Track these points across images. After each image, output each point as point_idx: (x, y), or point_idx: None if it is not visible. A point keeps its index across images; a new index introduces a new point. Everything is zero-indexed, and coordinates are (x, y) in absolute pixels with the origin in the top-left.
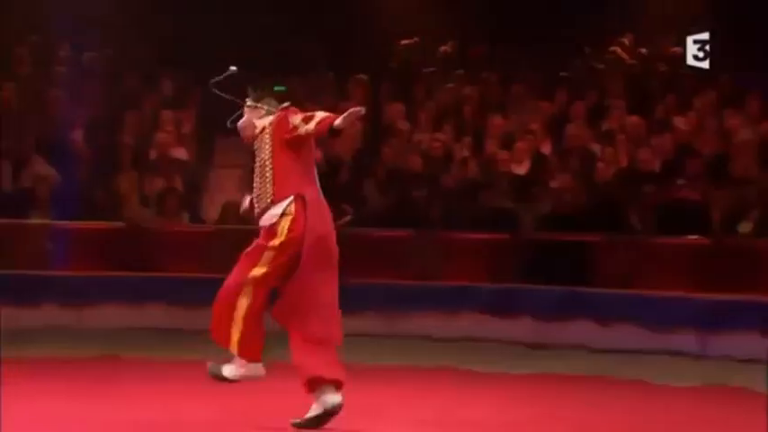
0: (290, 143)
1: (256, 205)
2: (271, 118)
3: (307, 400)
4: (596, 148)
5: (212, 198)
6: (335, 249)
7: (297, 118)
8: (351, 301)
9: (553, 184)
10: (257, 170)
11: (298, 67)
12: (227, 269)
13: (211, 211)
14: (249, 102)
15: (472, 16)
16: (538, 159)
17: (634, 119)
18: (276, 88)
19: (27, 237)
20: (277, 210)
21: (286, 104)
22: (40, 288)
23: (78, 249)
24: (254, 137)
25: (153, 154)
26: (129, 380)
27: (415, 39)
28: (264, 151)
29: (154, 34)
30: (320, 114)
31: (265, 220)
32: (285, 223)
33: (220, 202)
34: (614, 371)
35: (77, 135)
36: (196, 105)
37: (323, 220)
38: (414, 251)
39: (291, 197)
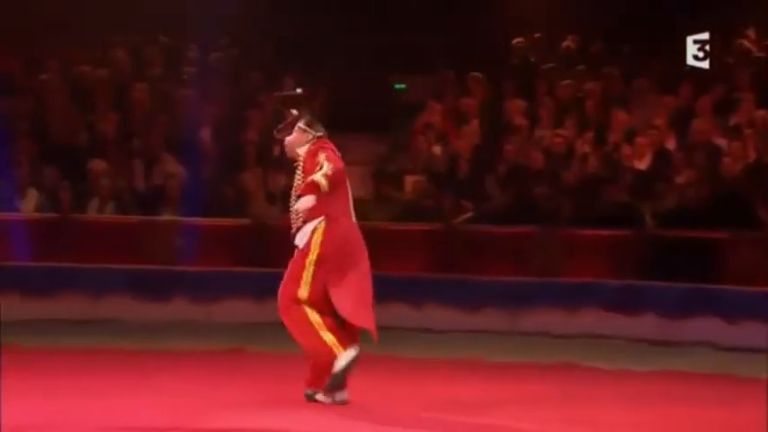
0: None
1: (292, 226)
2: (307, 146)
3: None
4: (722, 142)
5: None
6: (364, 258)
7: (323, 158)
8: (472, 298)
9: (678, 179)
10: (295, 192)
11: (419, 65)
12: None
13: None
14: (301, 124)
15: (593, 11)
16: (661, 154)
17: (763, 113)
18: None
19: (158, 233)
20: (308, 228)
21: (320, 134)
22: (170, 283)
23: (206, 245)
24: (296, 159)
25: (277, 151)
26: (253, 370)
27: (537, 35)
28: (299, 179)
29: (276, 34)
30: (323, 170)
31: (299, 239)
32: (317, 238)
33: None
34: (740, 369)
35: (205, 134)
36: (319, 103)
37: (345, 243)
38: (535, 248)
39: (322, 218)
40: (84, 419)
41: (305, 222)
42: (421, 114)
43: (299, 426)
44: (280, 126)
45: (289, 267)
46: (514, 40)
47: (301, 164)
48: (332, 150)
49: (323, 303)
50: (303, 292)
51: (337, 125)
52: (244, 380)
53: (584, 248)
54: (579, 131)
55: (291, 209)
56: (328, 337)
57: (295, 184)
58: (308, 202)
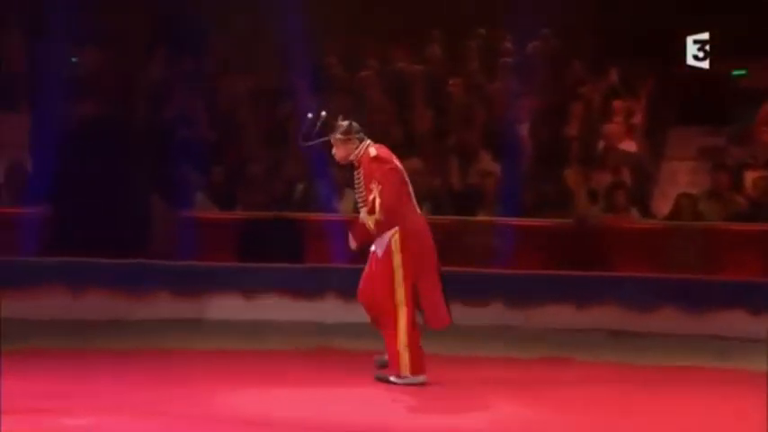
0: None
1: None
2: (364, 152)
3: None
4: None
5: (663, 192)
6: (434, 257)
7: (375, 188)
8: None
9: None
10: (360, 197)
11: (762, 48)
12: (681, 268)
13: (663, 205)
14: (339, 136)
15: None
16: None
17: None
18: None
19: (474, 234)
20: (384, 238)
21: (367, 143)
22: (486, 287)
23: (524, 247)
24: (355, 166)
25: (600, 146)
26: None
27: None
28: (360, 186)
29: (601, 23)
30: (374, 215)
31: (377, 245)
32: (395, 245)
33: (672, 195)
34: None
35: (523, 129)
36: (647, 95)
37: (421, 240)
38: None
39: (396, 228)
40: None
41: (378, 233)
42: (764, 103)
43: None
44: (303, 132)
45: (374, 272)
46: None
47: (361, 175)
48: (384, 159)
49: (414, 302)
50: (399, 295)
51: (667, 118)
52: (567, 391)
53: None
54: None
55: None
56: (404, 357)
57: (357, 183)
58: (352, 243)
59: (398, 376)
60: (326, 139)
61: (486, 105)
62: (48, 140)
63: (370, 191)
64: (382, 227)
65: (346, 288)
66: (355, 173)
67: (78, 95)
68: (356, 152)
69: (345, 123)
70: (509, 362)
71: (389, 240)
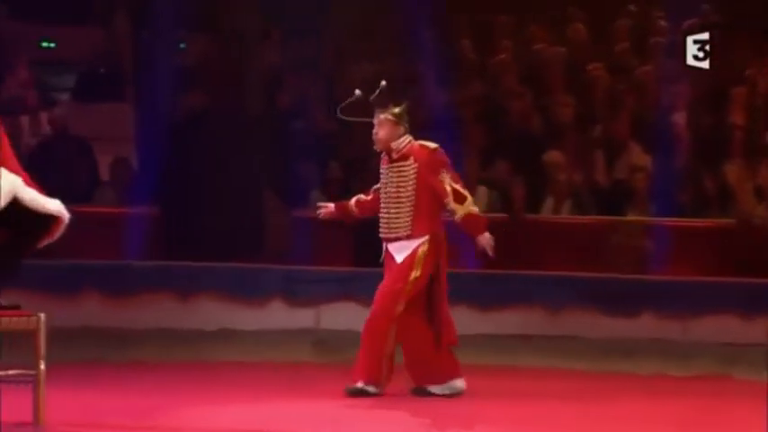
0: (434, 189)
1: (385, 227)
2: (411, 143)
3: None
4: None
5: None
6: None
7: (446, 178)
8: None
9: None
10: (392, 193)
11: None
12: None
13: None
14: (390, 116)
15: None
16: None
17: None
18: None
19: (623, 236)
20: (412, 244)
21: (434, 146)
22: (638, 295)
23: (681, 250)
24: (391, 157)
25: None
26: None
27: None
28: (407, 182)
29: None
30: (470, 201)
31: (397, 250)
32: (421, 257)
33: None
34: None
35: (679, 117)
36: None
37: (443, 252)
38: None
39: (427, 237)
40: None
41: (409, 237)
42: None
43: None
44: (343, 104)
45: (388, 278)
46: None
47: (414, 168)
48: (448, 162)
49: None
50: (400, 308)
51: None
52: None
53: None
54: None
55: (383, 211)
56: (382, 371)
57: (394, 188)
58: (488, 241)
59: (367, 383)
60: (369, 119)
61: (637, 91)
62: (154, 134)
63: (428, 186)
64: (417, 225)
65: (477, 296)
66: (385, 166)
67: (186, 85)
68: (400, 140)
69: (403, 104)
70: (663, 379)
71: (416, 251)
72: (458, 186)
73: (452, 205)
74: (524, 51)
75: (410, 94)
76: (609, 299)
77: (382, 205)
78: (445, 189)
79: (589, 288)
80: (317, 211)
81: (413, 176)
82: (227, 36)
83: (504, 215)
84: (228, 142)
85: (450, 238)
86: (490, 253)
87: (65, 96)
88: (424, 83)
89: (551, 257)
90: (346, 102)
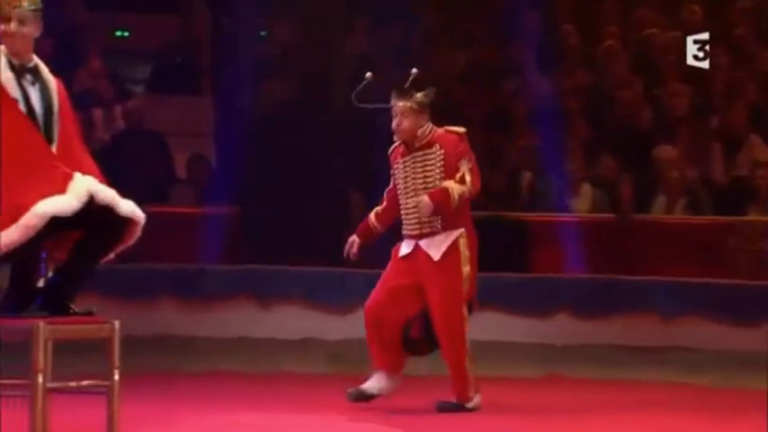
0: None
1: (414, 222)
2: (434, 130)
3: None
4: None
5: None
6: None
7: (464, 166)
8: None
9: None
10: (419, 185)
11: None
12: None
13: None
14: (414, 104)
15: None
16: None
17: None
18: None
19: (742, 237)
20: (447, 239)
21: (461, 130)
22: (761, 303)
23: None
24: (411, 147)
25: None
26: None
27: None
28: (434, 170)
29: None
30: (467, 185)
31: (433, 245)
32: (464, 253)
33: None
34: None
35: None
36: None
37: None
38: None
39: (462, 230)
40: None
41: (442, 230)
42: None
43: None
44: (357, 90)
45: (435, 284)
46: None
47: (440, 155)
48: (470, 150)
49: None
50: (465, 311)
51: None
52: None
53: None
54: None
55: (408, 206)
56: (470, 377)
57: (421, 177)
58: (427, 208)
59: (468, 400)
60: (387, 105)
61: (759, 79)
62: (233, 129)
63: (450, 173)
64: (450, 216)
65: (581, 304)
66: (405, 158)
67: (268, 76)
68: (424, 128)
69: (427, 90)
70: None
71: (455, 244)
72: (468, 176)
73: (449, 182)
74: (634, 37)
75: (509, 85)
76: (727, 307)
77: (405, 201)
78: (456, 173)
79: (705, 295)
80: (348, 254)
81: (440, 164)
82: (312, 23)
83: (611, 215)
84: (313, 138)
85: (553, 241)
86: (422, 216)
87: (139, 89)
88: (525, 72)
89: (663, 261)
90: (360, 86)
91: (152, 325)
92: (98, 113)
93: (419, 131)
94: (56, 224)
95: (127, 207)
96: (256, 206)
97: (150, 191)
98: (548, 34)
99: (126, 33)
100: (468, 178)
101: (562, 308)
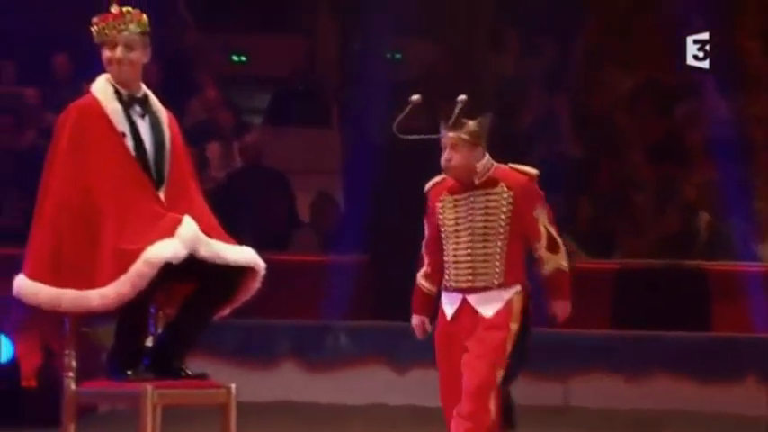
0: (526, 227)
1: (467, 274)
2: (497, 166)
3: None
4: None
5: None
6: None
7: (542, 216)
8: None
9: None
10: (477, 229)
11: None
12: None
13: None
14: (465, 135)
15: None
16: None
17: None
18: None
19: None
20: (504, 295)
21: (532, 171)
22: None
23: None
24: (472, 183)
25: None
26: None
27: None
28: (498, 214)
29: None
30: (563, 253)
31: (483, 301)
32: (516, 312)
33: None
34: None
35: None
36: None
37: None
38: None
39: (519, 286)
40: None
41: (499, 287)
42: None
43: None
44: (399, 118)
45: (477, 340)
46: None
47: (509, 199)
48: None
49: None
50: (499, 375)
51: None
52: None
53: None
54: None
55: (459, 252)
56: None
57: (480, 223)
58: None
59: None
60: (435, 136)
61: None
62: (365, 165)
63: (521, 221)
64: (511, 268)
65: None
66: (461, 196)
67: (404, 105)
68: (483, 162)
69: (481, 119)
70: None
71: (511, 303)
72: (552, 230)
73: (542, 252)
74: None
75: (683, 109)
76: None
77: (458, 246)
78: (539, 230)
79: None
80: (417, 335)
81: (506, 208)
82: (454, 43)
83: None
84: None
85: (737, 295)
86: (560, 321)
87: (258, 120)
88: (702, 96)
89: None
90: (404, 112)
91: (272, 389)
92: (213, 149)
93: (478, 166)
94: (166, 274)
95: (244, 255)
96: (389, 254)
97: (270, 236)
98: (727, 53)
99: (243, 58)
100: (559, 241)
101: (748, 373)
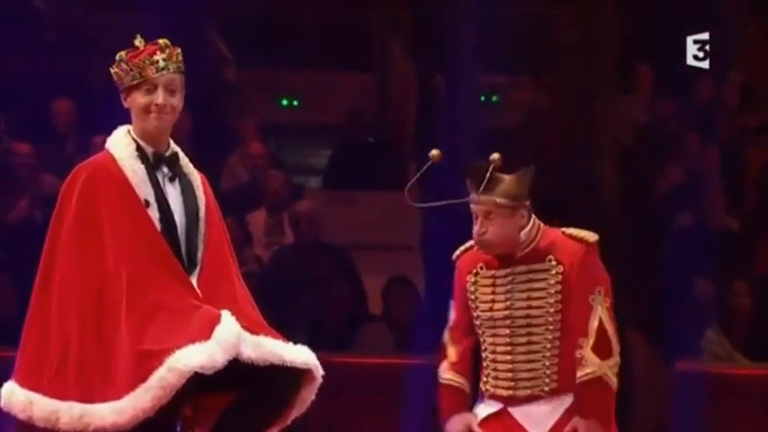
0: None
1: (508, 378)
2: (545, 230)
3: None
4: None
5: None
6: None
7: (601, 305)
8: None
9: None
10: (519, 316)
11: None
12: None
13: None
14: (502, 199)
15: None
16: None
17: None
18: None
19: None
20: (558, 409)
21: (591, 236)
22: None
23: None
24: (514, 255)
25: None
26: None
27: None
28: (544, 296)
29: None
30: (615, 360)
31: (529, 418)
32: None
33: None
34: None
35: None
36: None
37: None
38: None
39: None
40: None
41: (552, 394)
42: None
43: None
44: (412, 180)
45: None
46: None
47: (559, 277)
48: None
49: None
50: None
51: None
52: None
53: None
54: None
55: (505, 357)
56: None
57: (520, 315)
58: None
59: None
60: (460, 201)
61: None
62: (451, 237)
63: (578, 311)
64: (567, 374)
65: None
66: (499, 273)
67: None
68: (528, 230)
69: (519, 174)
70: None
71: (567, 416)
72: (609, 326)
73: (586, 352)
74: None
75: None
76: None
77: (491, 338)
78: (590, 325)
79: None
80: None
81: (555, 289)
82: (568, 81)
83: None
84: None
85: None
86: None
87: (314, 182)
88: None
89: None
90: (419, 172)
91: None
92: (257, 219)
93: (521, 235)
94: (196, 383)
95: (296, 356)
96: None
97: (330, 332)
98: None
99: (295, 102)
100: (613, 344)
101: None
